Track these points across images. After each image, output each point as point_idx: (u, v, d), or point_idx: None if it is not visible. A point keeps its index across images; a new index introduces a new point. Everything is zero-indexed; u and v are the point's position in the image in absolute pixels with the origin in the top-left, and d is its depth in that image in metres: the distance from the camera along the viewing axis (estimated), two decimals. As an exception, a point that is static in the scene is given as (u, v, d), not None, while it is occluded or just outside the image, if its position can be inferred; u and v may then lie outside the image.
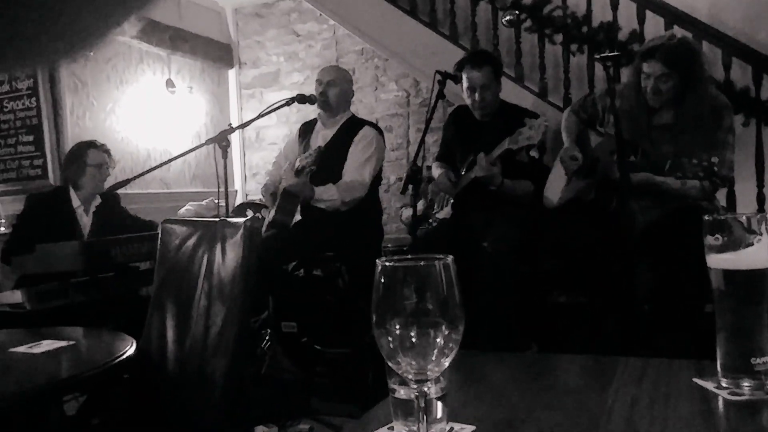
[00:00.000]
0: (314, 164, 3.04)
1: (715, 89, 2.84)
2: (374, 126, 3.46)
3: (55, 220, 3.23)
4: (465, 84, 3.09)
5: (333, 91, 3.37)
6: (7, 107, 4.57)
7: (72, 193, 3.35)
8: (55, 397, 1.71)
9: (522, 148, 2.85)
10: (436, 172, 3.37)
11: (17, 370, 1.68)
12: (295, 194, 3.15)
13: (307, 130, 3.59)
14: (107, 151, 3.49)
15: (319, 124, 3.53)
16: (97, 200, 3.43)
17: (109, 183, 3.47)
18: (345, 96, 3.45)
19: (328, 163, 3.15)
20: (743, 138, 3.25)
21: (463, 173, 3.13)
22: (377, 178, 3.40)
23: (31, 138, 4.54)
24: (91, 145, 3.47)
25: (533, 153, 3.00)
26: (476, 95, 3.08)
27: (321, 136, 3.45)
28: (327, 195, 3.17)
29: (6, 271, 3.27)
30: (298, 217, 3.27)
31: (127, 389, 1.94)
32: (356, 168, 3.25)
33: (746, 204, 3.39)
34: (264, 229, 3.19)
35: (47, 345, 1.78)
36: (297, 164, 3.10)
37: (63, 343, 1.82)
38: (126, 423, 1.98)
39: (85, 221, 3.35)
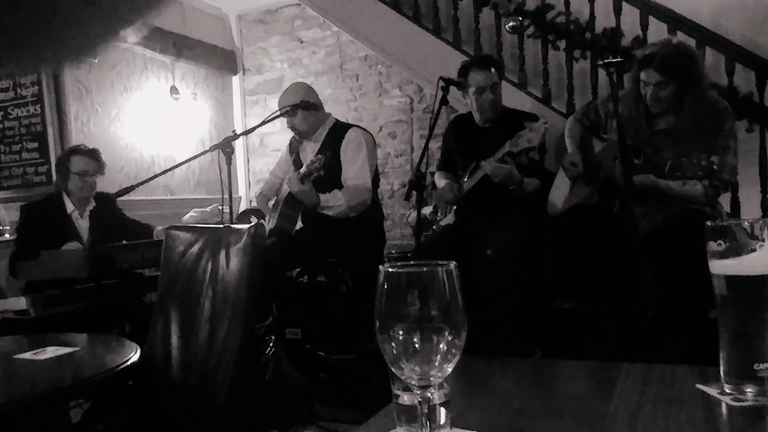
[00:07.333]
0: (321, 169, 3.01)
1: (716, 93, 2.83)
2: (360, 128, 3.40)
3: (52, 226, 3.23)
4: (472, 87, 3.11)
5: (302, 124, 3.36)
6: (11, 114, 4.60)
7: (65, 198, 3.35)
8: (60, 404, 1.72)
9: (522, 151, 2.87)
10: (440, 182, 3.36)
11: (22, 376, 1.68)
12: (300, 200, 3.14)
13: (296, 142, 3.56)
14: (95, 157, 3.39)
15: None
16: (92, 203, 3.42)
17: (103, 187, 3.48)
18: (315, 113, 3.37)
19: (325, 172, 3.10)
20: (747, 144, 3.24)
21: (465, 180, 3.13)
22: (375, 180, 3.35)
23: (35, 145, 4.56)
24: (75, 151, 3.40)
25: (533, 155, 3.01)
26: (485, 95, 3.12)
27: (309, 148, 3.41)
28: (333, 201, 3.15)
29: (11, 280, 3.28)
30: (299, 224, 3.27)
31: (132, 395, 1.95)
32: (354, 173, 3.21)
33: (750, 210, 3.39)
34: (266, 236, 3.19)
35: (52, 351, 1.79)
36: (303, 170, 3.08)
37: (68, 350, 1.83)
38: (130, 428, 1.98)
39: (82, 224, 3.35)
